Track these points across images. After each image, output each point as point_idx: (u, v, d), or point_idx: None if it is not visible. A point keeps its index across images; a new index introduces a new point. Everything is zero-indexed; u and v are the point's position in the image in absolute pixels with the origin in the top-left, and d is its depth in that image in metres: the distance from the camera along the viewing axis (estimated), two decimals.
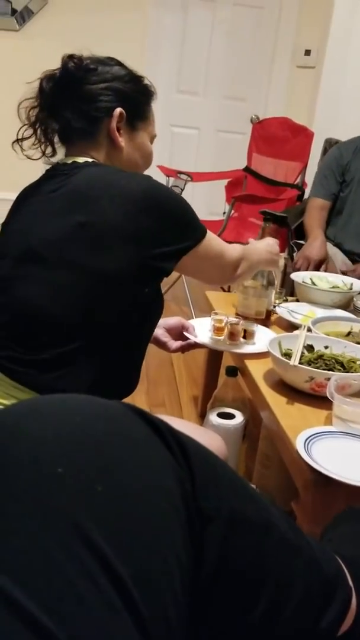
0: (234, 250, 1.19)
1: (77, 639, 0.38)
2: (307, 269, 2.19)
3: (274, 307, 1.65)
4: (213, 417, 1.41)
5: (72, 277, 0.95)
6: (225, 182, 3.31)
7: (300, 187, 3.03)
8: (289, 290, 1.96)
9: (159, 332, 1.36)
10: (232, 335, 1.44)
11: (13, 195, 1.15)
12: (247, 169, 3.27)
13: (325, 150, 3.05)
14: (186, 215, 1.04)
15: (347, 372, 1.21)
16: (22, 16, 3.96)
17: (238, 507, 0.54)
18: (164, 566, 0.45)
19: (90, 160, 1.06)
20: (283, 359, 1.20)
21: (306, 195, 2.99)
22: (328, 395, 1.08)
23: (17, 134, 1.08)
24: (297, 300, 1.80)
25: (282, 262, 2.62)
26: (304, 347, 1.31)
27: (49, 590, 0.39)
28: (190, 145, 4.38)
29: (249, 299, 1.60)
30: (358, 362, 1.26)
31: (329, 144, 3.04)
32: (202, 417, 1.86)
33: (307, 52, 4.09)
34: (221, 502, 0.52)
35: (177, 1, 4.03)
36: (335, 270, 2.21)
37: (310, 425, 1.07)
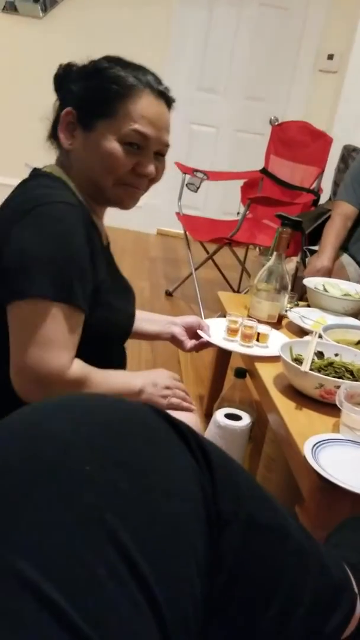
0: (76, 366, 0.96)
1: (105, 637, 0.39)
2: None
3: (286, 311, 1.66)
4: (220, 418, 1.42)
5: None
6: (240, 182, 3.31)
7: (316, 193, 3.02)
8: (299, 294, 1.97)
9: (177, 330, 1.34)
10: (246, 337, 1.45)
11: None
12: (264, 171, 3.25)
13: (343, 157, 3.05)
14: (34, 259, 0.91)
15: (357, 380, 1.22)
16: (45, 3, 3.96)
17: (255, 512, 0.55)
18: (185, 569, 0.46)
19: (44, 168, 1.08)
20: (294, 364, 1.21)
21: (322, 201, 2.98)
22: (337, 403, 1.09)
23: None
24: (308, 306, 1.80)
25: (293, 266, 2.62)
26: (315, 353, 1.32)
27: (77, 584, 0.40)
28: (208, 144, 4.37)
29: (262, 302, 1.61)
30: None
31: (347, 150, 3.03)
32: (207, 417, 1.86)
33: (330, 57, 4.08)
34: (239, 507, 0.53)
35: None
36: (346, 278, 2.19)
37: (317, 431, 1.08)
